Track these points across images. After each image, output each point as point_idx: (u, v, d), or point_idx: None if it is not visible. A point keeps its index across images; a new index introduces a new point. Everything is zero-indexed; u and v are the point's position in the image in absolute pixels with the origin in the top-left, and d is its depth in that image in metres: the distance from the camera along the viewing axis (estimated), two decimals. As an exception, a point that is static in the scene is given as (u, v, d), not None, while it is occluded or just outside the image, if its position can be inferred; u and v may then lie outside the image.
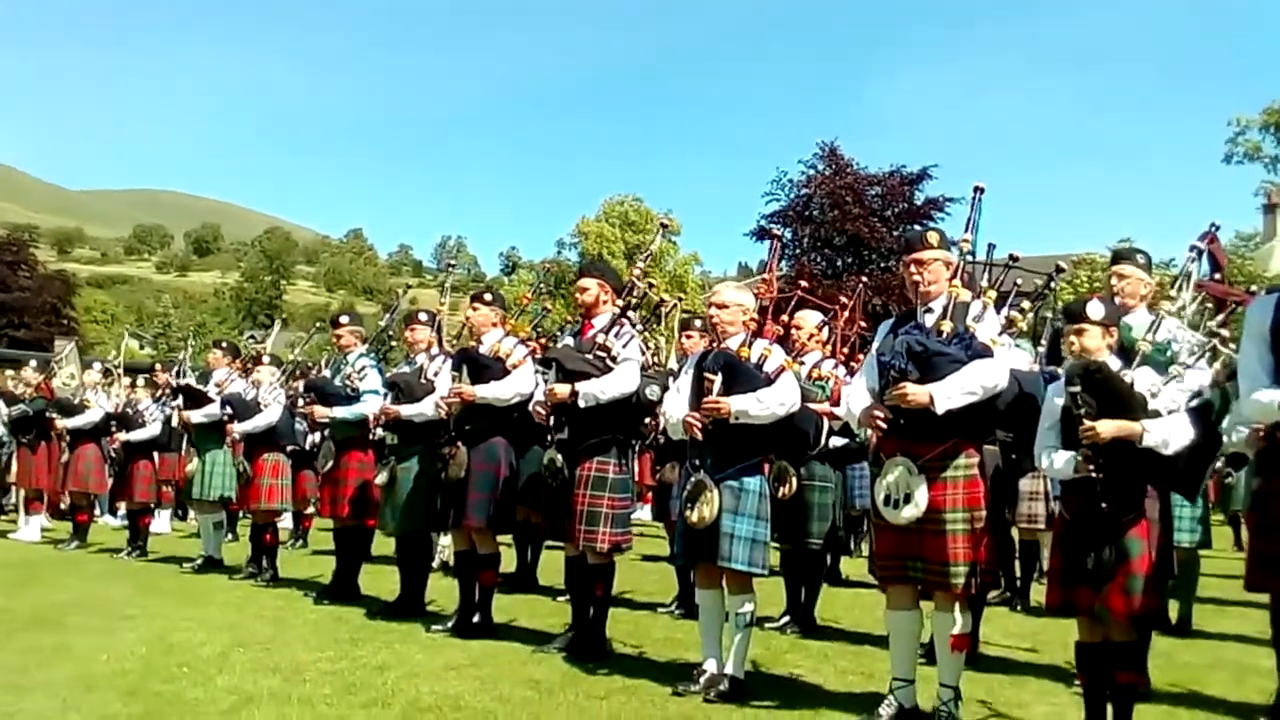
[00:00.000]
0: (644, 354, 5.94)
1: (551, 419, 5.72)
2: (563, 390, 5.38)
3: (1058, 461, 4.00)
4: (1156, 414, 3.89)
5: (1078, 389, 3.87)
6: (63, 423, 11.22)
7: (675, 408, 5.02)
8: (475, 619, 6.17)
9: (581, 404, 5.34)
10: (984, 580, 4.26)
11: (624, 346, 5.48)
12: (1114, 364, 4.04)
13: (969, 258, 4.51)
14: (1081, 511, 3.94)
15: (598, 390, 5.36)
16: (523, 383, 6.02)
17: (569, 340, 5.80)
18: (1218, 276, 5.50)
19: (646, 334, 7.10)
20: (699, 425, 4.77)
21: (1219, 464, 9.67)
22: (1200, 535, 6.31)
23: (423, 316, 7.01)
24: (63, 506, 12.56)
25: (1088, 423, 3.82)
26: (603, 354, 5.43)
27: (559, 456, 5.53)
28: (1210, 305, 5.57)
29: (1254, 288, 5.27)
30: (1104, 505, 3.83)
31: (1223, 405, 4.38)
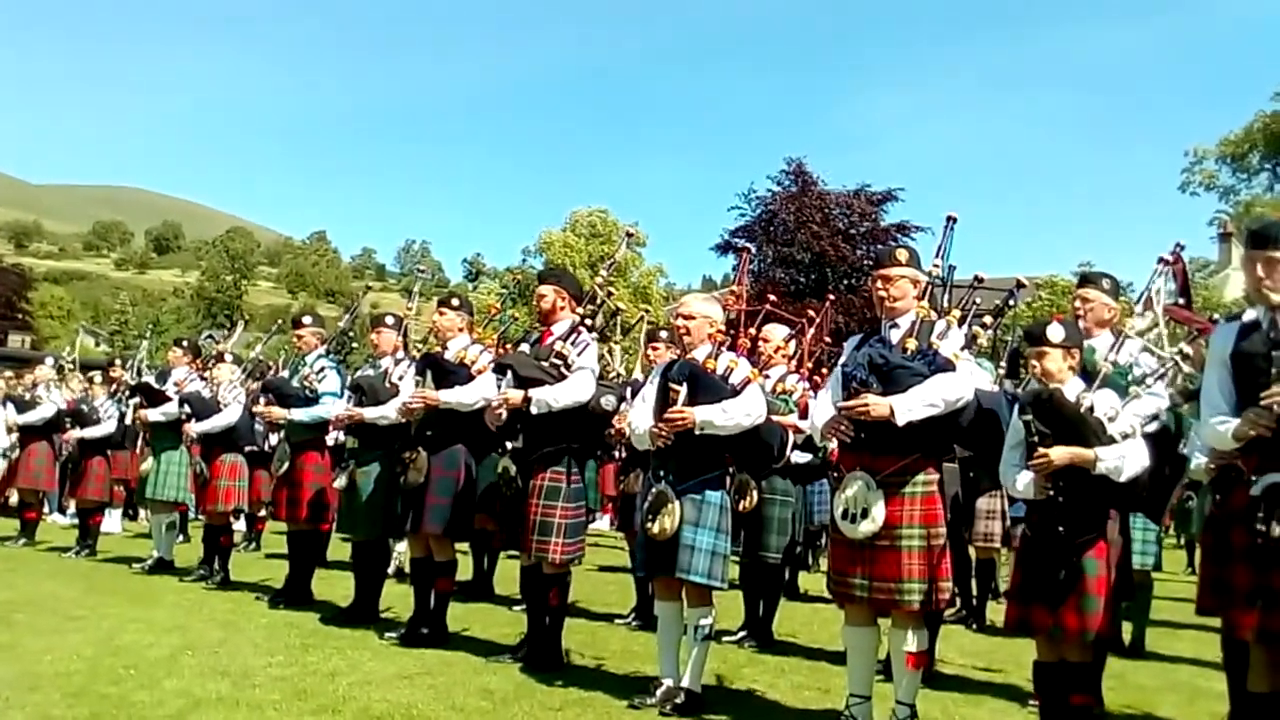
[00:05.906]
0: (606, 361, 5.89)
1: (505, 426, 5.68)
2: (515, 396, 5.35)
3: (1019, 482, 4.07)
4: (1114, 439, 3.94)
5: (1029, 417, 3.95)
6: (14, 419, 11.01)
7: (640, 418, 4.99)
8: (430, 627, 6.10)
9: (533, 410, 5.31)
10: (941, 598, 4.27)
11: (580, 355, 5.45)
12: (1077, 386, 4.08)
13: (938, 282, 4.55)
14: (1041, 531, 3.99)
15: (550, 398, 5.32)
16: (487, 389, 5.96)
17: (526, 347, 5.76)
18: (1182, 301, 5.56)
19: (605, 343, 7.06)
20: (663, 436, 4.75)
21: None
22: (1153, 558, 6.39)
23: (389, 320, 6.95)
24: (11, 503, 12.33)
25: (1040, 449, 3.90)
26: (558, 361, 5.40)
27: (513, 466, 5.50)
28: (1174, 330, 5.62)
29: (1216, 315, 5.32)
30: (1061, 529, 3.89)
31: (1177, 429, 4.42)
